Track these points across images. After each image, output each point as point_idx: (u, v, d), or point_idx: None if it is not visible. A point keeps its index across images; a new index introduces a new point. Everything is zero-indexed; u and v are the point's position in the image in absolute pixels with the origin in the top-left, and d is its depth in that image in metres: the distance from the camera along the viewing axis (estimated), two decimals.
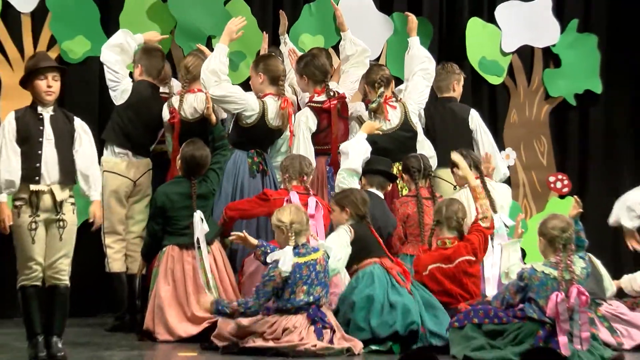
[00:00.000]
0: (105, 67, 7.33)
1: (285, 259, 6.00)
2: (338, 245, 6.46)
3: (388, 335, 6.28)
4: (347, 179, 6.88)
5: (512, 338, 6.11)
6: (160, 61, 7.47)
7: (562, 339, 6.00)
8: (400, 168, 7.21)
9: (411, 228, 6.94)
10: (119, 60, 7.40)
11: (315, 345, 5.99)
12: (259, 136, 6.99)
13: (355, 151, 6.84)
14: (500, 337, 6.17)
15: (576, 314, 5.96)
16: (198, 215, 6.68)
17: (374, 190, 6.84)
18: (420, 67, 7.45)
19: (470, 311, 6.28)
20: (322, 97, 7.11)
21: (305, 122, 7.08)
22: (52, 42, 7.82)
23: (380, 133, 7.10)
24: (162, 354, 6.39)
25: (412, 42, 7.64)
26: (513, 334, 6.15)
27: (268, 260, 6.15)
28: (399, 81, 8.00)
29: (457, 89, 7.71)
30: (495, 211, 6.95)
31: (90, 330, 7.08)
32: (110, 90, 7.27)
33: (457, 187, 7.24)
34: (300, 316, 6.09)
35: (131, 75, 7.73)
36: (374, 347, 6.33)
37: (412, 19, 7.79)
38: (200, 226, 6.75)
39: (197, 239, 6.74)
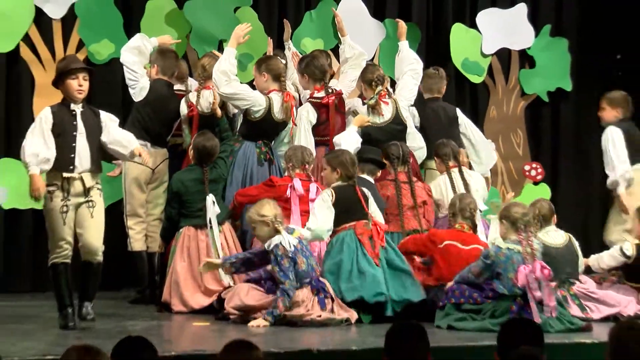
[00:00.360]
0: (124, 67, 7.46)
1: (286, 239, 6.17)
2: (327, 216, 6.52)
3: (354, 300, 6.44)
4: None
5: (489, 315, 6.30)
6: (174, 62, 7.63)
7: (533, 307, 6.22)
8: None
9: (391, 208, 7.02)
10: (136, 61, 7.47)
11: (320, 316, 6.15)
12: (266, 128, 7.13)
13: (347, 142, 6.95)
14: (478, 314, 6.33)
15: (542, 286, 6.16)
16: (210, 198, 6.82)
17: (365, 176, 6.91)
18: (410, 67, 7.55)
19: (447, 292, 6.44)
20: (322, 94, 7.24)
21: (307, 116, 7.20)
22: (80, 45, 7.98)
23: (370, 124, 7.19)
24: (178, 324, 6.60)
25: (402, 45, 7.75)
26: (490, 312, 6.31)
27: (266, 247, 6.26)
28: (392, 81, 8.10)
29: (442, 92, 7.88)
30: None
31: (115, 302, 7.25)
32: (129, 88, 7.38)
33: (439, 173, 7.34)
34: (305, 289, 6.30)
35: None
36: None
37: (402, 24, 7.91)
38: (212, 208, 6.88)
39: (210, 219, 6.83)
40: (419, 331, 4.21)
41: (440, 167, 7.30)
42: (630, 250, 6.87)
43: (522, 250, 6.23)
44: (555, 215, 6.99)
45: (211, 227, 6.85)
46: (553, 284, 6.37)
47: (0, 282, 7.91)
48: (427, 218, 7.13)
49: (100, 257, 6.12)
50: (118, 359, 3.54)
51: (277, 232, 6.26)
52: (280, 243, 6.20)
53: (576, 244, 6.95)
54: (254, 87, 7.48)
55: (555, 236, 6.78)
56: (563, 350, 5.73)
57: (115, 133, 6.25)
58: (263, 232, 6.29)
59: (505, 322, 4.59)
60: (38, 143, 6.05)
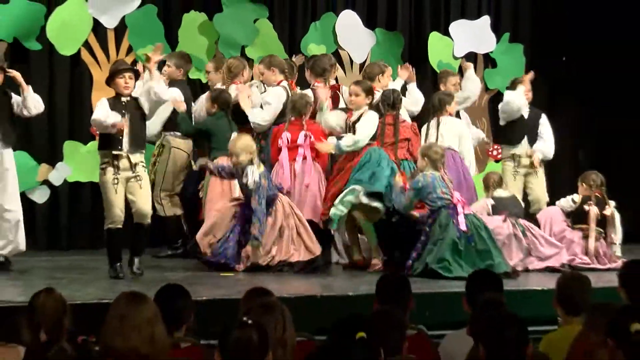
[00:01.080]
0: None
1: (258, 171, 6.44)
2: (370, 132, 6.75)
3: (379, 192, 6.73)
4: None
5: (440, 231, 6.54)
6: (191, 66, 7.83)
7: (461, 219, 6.60)
8: None
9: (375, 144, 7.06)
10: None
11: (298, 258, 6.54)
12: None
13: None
14: (435, 243, 6.60)
15: (458, 209, 6.62)
16: (236, 133, 7.12)
17: None
18: (415, 108, 7.75)
19: (409, 264, 6.60)
20: (320, 85, 7.38)
21: None
22: (130, 49, 8.26)
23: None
24: (208, 274, 6.72)
25: (411, 87, 7.83)
26: (437, 231, 6.55)
27: (249, 181, 6.37)
28: None
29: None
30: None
31: (153, 258, 7.40)
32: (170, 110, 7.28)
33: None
34: (280, 197, 6.61)
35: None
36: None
37: (410, 70, 7.92)
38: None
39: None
40: (403, 280, 4.50)
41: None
42: (578, 198, 7.35)
43: (443, 175, 6.66)
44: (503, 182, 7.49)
45: None
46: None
47: (66, 241, 8.15)
48: (411, 151, 7.17)
49: (149, 220, 6.41)
50: (160, 302, 3.62)
51: (252, 161, 6.51)
52: (260, 174, 6.46)
53: (520, 200, 7.48)
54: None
55: (504, 192, 7.33)
56: (517, 295, 5.88)
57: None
58: (244, 159, 6.50)
59: (471, 274, 4.85)
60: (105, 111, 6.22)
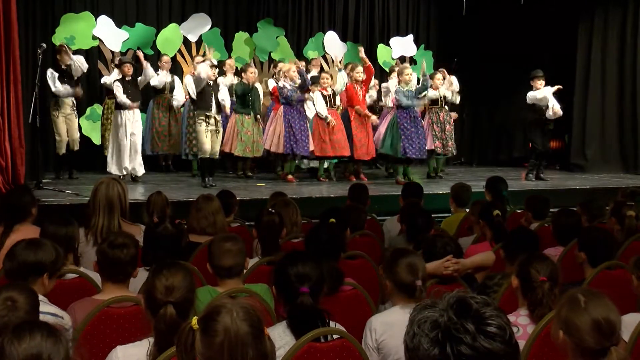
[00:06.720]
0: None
1: None
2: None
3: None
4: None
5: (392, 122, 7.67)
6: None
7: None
8: None
9: None
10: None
11: None
12: None
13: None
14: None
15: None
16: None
17: None
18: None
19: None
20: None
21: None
22: (204, 54, 8.61)
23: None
24: (248, 184, 7.65)
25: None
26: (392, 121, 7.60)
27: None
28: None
29: None
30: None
31: (215, 178, 7.62)
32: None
33: None
34: None
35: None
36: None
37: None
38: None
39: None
40: (364, 187, 4.88)
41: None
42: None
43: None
44: None
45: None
46: None
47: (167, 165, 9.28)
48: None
49: (217, 155, 7.48)
50: (221, 198, 3.85)
51: None
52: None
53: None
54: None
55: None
56: (431, 196, 6.11)
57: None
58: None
59: (404, 185, 5.00)
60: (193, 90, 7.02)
